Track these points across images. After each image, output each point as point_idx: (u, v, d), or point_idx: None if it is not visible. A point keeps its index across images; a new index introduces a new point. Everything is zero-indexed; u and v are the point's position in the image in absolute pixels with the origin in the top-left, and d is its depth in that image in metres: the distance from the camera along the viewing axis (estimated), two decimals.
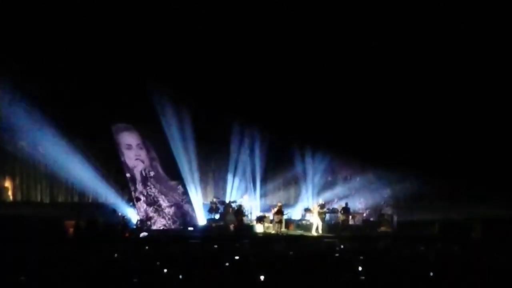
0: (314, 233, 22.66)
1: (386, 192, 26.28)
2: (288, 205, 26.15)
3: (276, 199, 26.19)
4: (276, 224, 23.02)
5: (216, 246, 15.41)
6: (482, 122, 24.76)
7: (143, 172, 23.34)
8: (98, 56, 21.85)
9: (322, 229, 22.91)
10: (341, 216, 23.88)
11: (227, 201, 24.42)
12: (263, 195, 27.06)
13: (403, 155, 24.23)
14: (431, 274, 9.72)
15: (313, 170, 26.91)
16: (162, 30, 22.31)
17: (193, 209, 24.04)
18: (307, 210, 24.61)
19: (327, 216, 24.23)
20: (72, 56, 21.82)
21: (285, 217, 23.53)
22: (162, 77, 22.60)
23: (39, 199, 24.44)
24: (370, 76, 24.67)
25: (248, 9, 22.46)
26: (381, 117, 25.14)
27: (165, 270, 9.99)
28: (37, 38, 21.38)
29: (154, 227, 22.20)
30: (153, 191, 23.32)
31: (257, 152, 25.95)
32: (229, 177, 26.27)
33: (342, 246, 16.22)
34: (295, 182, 27.81)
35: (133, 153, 23.37)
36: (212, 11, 22.43)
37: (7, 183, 24.01)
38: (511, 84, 23.99)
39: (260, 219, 23.49)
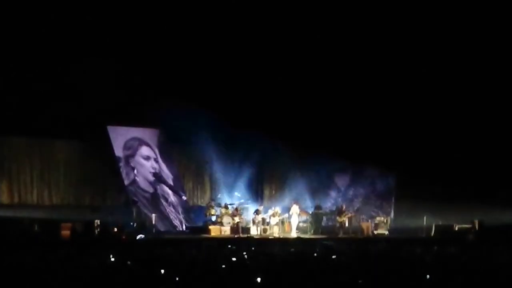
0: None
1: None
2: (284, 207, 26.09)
3: (272, 202, 26.16)
4: (273, 226, 23.04)
5: (212, 248, 15.39)
6: (481, 127, 24.82)
7: (140, 174, 23.30)
8: None
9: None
10: (338, 218, 23.91)
11: (223, 203, 24.38)
12: (260, 197, 27.04)
13: (400, 157, 24.30)
14: (428, 276, 9.72)
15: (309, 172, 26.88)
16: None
17: (189, 211, 24.01)
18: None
19: (324, 218, 24.26)
20: None
21: (281, 218, 23.53)
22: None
23: (35, 202, 24.23)
24: (369, 77, 24.77)
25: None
26: (379, 119, 25.19)
27: (162, 272, 9.99)
28: None
29: (150, 230, 22.15)
30: (151, 193, 23.30)
31: (254, 155, 25.89)
32: (226, 179, 26.27)
33: (338, 249, 16.23)
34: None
35: (132, 154, 23.32)
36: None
37: (3, 185, 23.79)
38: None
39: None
